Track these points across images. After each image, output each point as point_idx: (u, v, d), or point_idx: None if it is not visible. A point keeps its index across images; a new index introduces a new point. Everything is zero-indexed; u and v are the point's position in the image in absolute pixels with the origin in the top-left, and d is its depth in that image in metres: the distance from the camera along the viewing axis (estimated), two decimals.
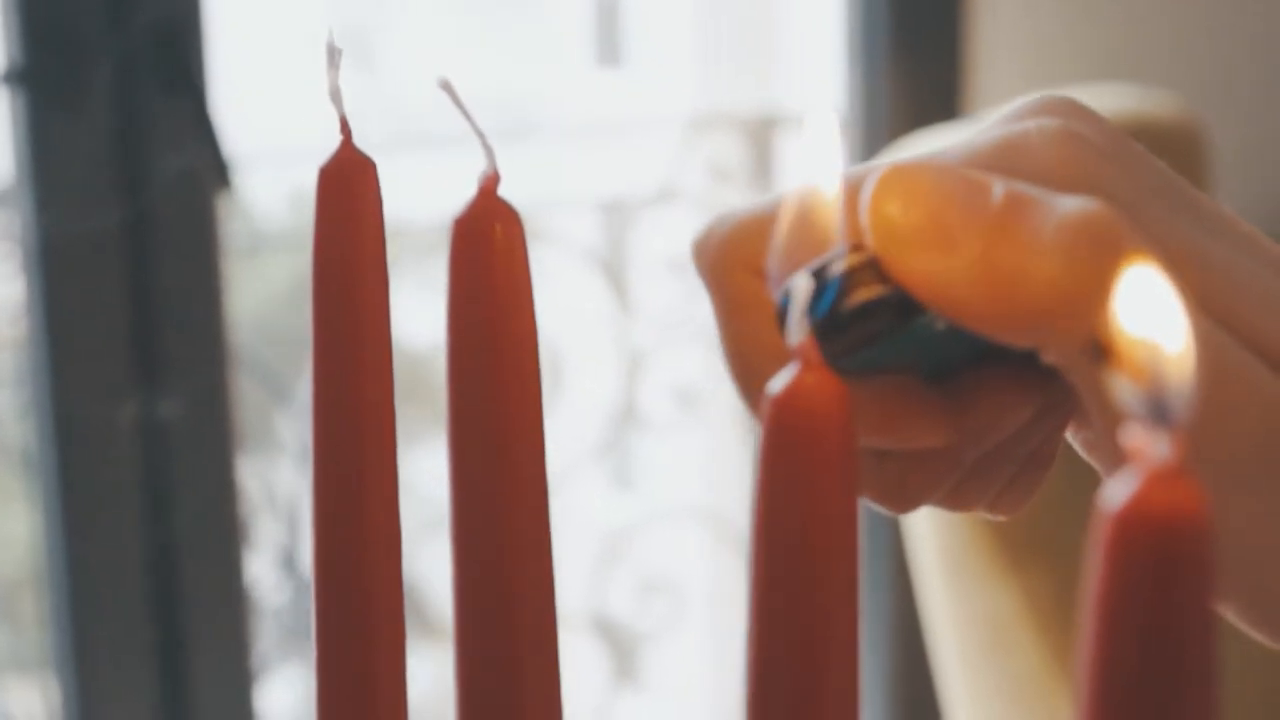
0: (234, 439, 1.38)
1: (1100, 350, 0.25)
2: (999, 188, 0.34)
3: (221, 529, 1.38)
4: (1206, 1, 1.71)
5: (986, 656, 1.29)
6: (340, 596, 0.41)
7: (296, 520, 1.79)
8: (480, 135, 0.34)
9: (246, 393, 1.62)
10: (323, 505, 0.41)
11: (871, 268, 0.34)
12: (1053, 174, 0.36)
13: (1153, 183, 0.37)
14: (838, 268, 0.34)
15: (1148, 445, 0.24)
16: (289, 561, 1.77)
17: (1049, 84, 1.49)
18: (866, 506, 0.39)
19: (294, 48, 3.09)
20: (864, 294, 0.34)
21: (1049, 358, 0.35)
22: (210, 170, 1.30)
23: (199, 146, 1.29)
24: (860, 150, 1.63)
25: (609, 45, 3.37)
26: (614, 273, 1.98)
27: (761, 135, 1.88)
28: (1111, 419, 0.34)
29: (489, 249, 0.35)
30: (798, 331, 0.30)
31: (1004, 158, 0.36)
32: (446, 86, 0.34)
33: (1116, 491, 0.24)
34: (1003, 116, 0.39)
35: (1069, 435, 0.40)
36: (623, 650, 2.22)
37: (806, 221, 0.34)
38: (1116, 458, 0.34)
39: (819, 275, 0.34)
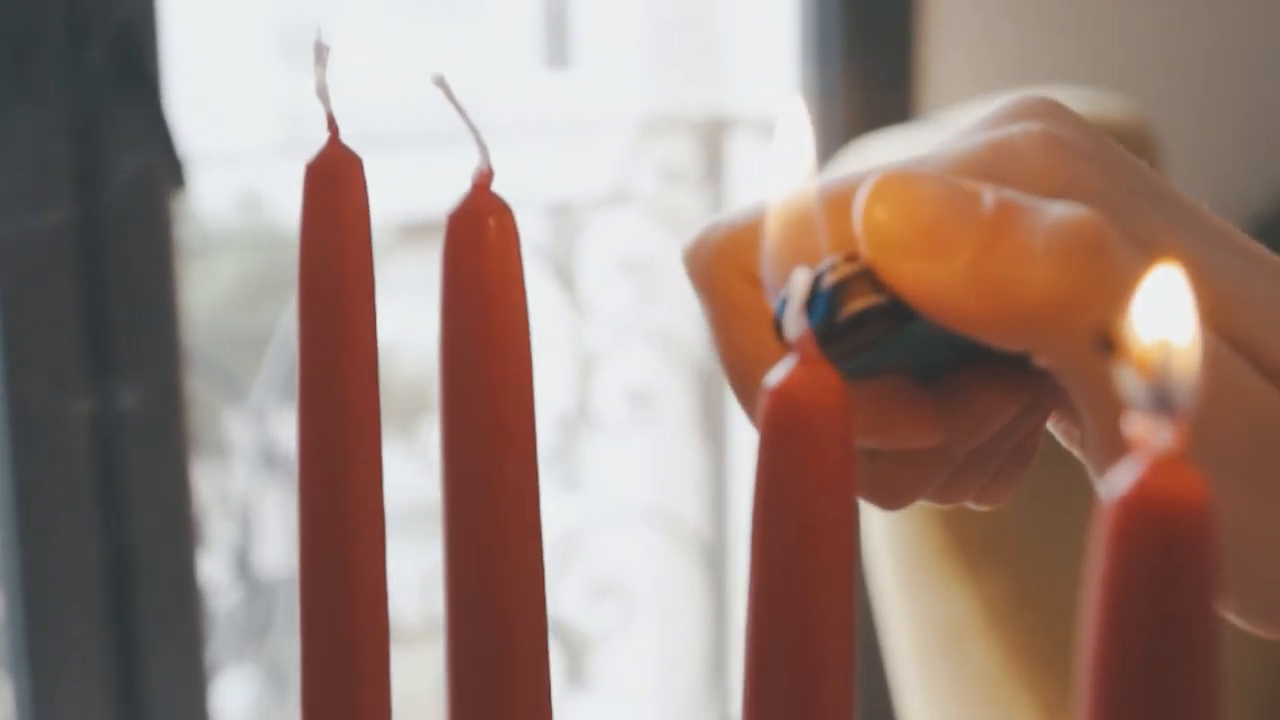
0: (188, 439, 1.37)
1: (1107, 341, 0.25)
2: (988, 195, 0.35)
3: (176, 529, 1.37)
4: (1157, 5, 1.72)
5: (942, 659, 1.30)
6: (326, 588, 0.41)
7: (250, 521, 1.78)
8: (474, 131, 0.34)
9: (198, 393, 1.61)
10: (308, 498, 0.41)
11: (866, 276, 0.35)
12: (1039, 179, 0.36)
13: (1136, 186, 0.37)
14: (833, 277, 0.34)
15: (1151, 434, 0.25)
16: (242, 562, 1.76)
17: (1001, 87, 1.50)
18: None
19: (239, 49, 3.08)
20: (860, 302, 0.35)
21: (1041, 360, 0.35)
22: (165, 169, 1.29)
23: (154, 145, 1.28)
24: (816, 153, 1.64)
25: (557, 47, 3.37)
26: (565, 275, 1.98)
27: (713, 137, 1.88)
28: (1105, 419, 0.35)
29: (483, 243, 0.35)
30: (795, 325, 0.30)
31: (990, 164, 0.37)
32: (441, 83, 0.34)
33: (1120, 478, 0.25)
34: (983, 120, 0.39)
35: (1050, 427, 0.40)
36: (573, 652, 2.22)
37: (797, 226, 0.35)
38: (1107, 455, 0.35)
39: (814, 284, 0.34)
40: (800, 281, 0.31)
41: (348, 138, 0.40)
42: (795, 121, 0.35)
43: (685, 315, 1.93)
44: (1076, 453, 0.40)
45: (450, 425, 0.36)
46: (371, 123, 3.26)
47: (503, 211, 0.35)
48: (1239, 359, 0.35)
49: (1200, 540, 0.25)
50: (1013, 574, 1.26)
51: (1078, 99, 1.36)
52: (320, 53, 0.38)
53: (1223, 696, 0.25)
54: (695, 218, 1.90)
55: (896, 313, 0.35)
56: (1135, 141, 1.32)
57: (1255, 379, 0.35)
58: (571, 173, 2.14)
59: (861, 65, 1.62)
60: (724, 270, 0.38)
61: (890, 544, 1.30)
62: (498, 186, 0.37)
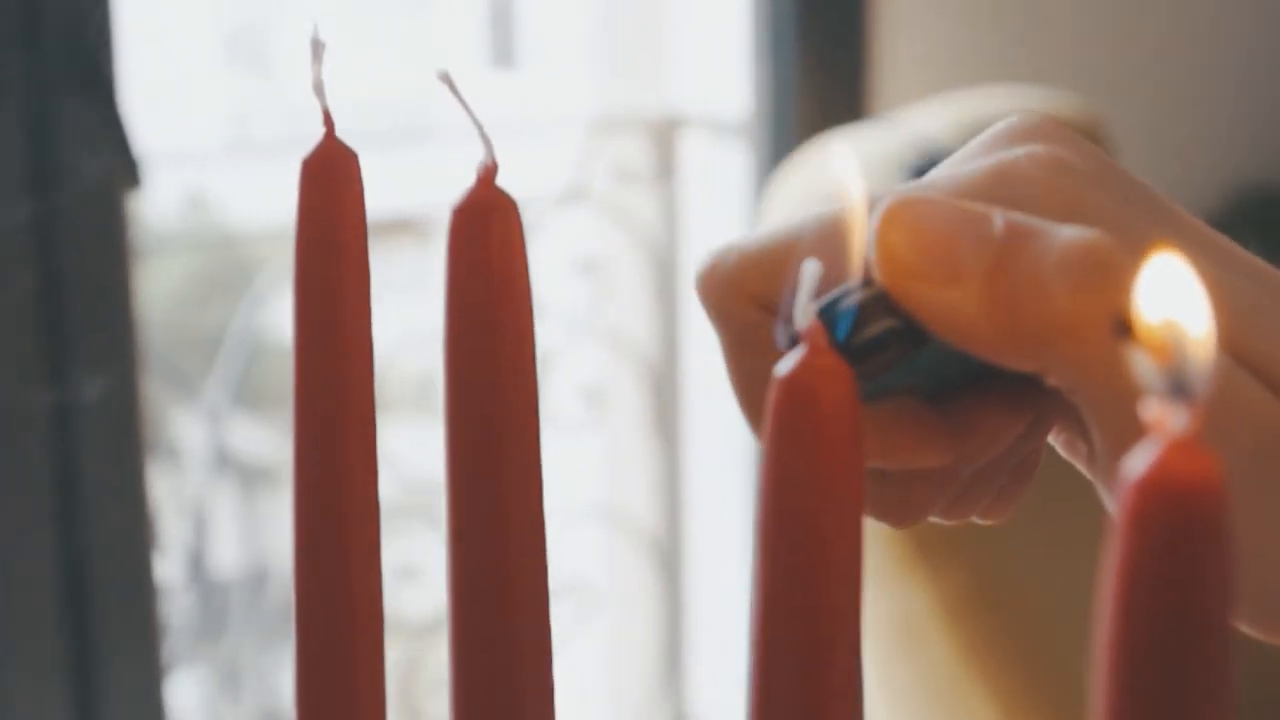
0: (145, 438, 1.36)
1: (1125, 328, 0.26)
2: (998, 219, 0.35)
3: (132, 529, 1.37)
4: (1108, 5, 1.74)
5: (899, 655, 1.30)
6: (321, 581, 0.41)
7: (204, 521, 1.77)
8: (478, 126, 0.34)
9: (150, 393, 1.60)
10: (305, 491, 0.41)
11: (882, 301, 0.36)
12: (1044, 202, 0.37)
13: (1139, 204, 0.38)
14: (849, 302, 0.35)
15: (1167, 418, 0.25)
16: (196, 563, 1.76)
17: (953, 85, 1.51)
18: None
19: (184, 51, 3.06)
20: (876, 327, 0.35)
21: (1052, 379, 0.36)
22: (120, 168, 1.29)
23: (109, 144, 1.28)
24: (769, 152, 1.65)
25: (503, 47, 3.37)
26: None
27: (665, 136, 1.89)
28: (1117, 434, 0.35)
29: (487, 237, 0.35)
30: (804, 316, 0.30)
31: (997, 187, 0.37)
32: (446, 79, 0.34)
33: (1136, 461, 0.25)
34: (983, 143, 0.40)
35: (1051, 440, 0.41)
36: None
37: (821, 250, 0.35)
38: (1118, 469, 0.35)
39: (830, 309, 0.35)
40: (810, 274, 0.31)
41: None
42: (846, 164, 0.35)
43: (638, 315, 1.94)
44: (1080, 466, 0.40)
45: (455, 416, 0.36)
46: (317, 124, 3.24)
47: (507, 205, 0.35)
48: (1242, 371, 0.36)
49: (1216, 520, 0.25)
50: (971, 572, 1.27)
51: (1030, 98, 1.37)
52: (317, 49, 0.38)
53: (1234, 669, 0.26)
54: (648, 217, 1.91)
55: (911, 336, 0.36)
56: (1085, 139, 1.33)
57: (1258, 390, 0.36)
58: (523, 172, 2.14)
59: (814, 64, 1.62)
60: (736, 296, 0.39)
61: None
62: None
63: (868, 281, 0.36)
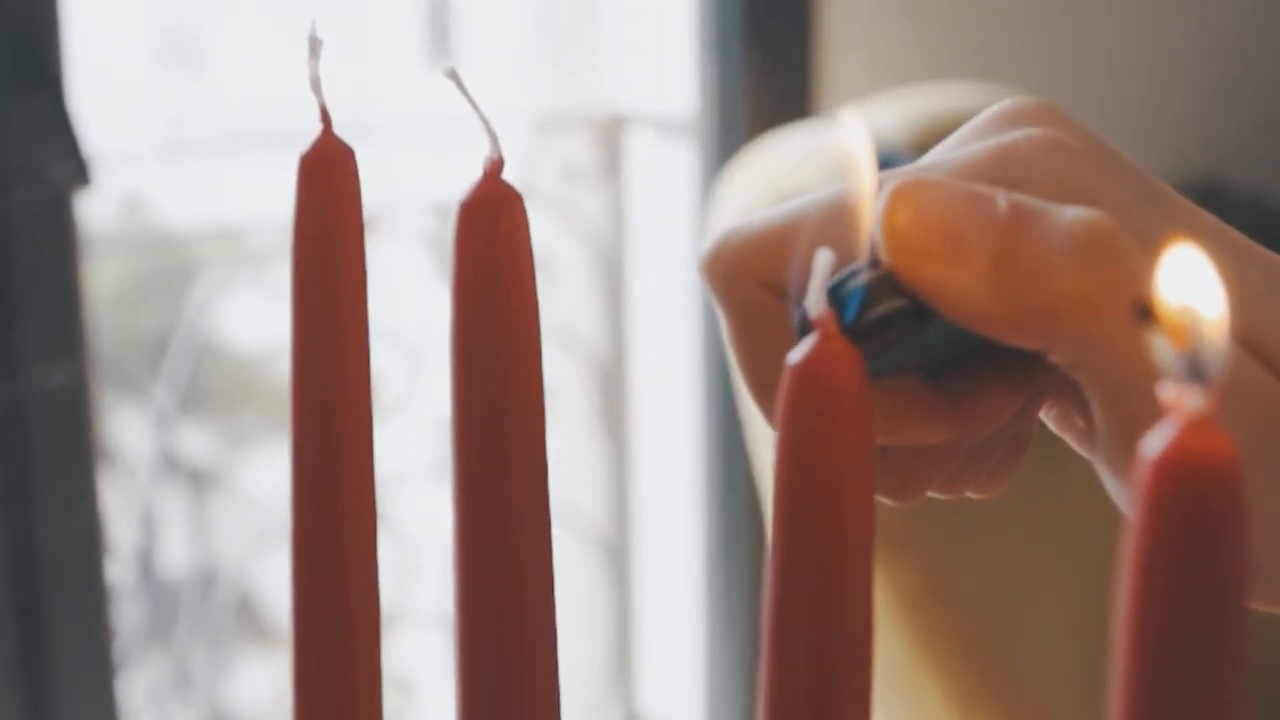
0: (95, 440, 1.36)
1: (1145, 310, 0.26)
2: (1002, 200, 0.36)
3: (82, 531, 1.36)
4: (1053, 2, 1.75)
5: None
6: (318, 582, 0.41)
7: (153, 523, 1.76)
8: (485, 121, 0.35)
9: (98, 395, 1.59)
10: (302, 483, 0.41)
11: (888, 281, 0.36)
12: (1045, 184, 0.38)
13: (1135, 187, 0.39)
14: (856, 282, 0.36)
15: (1184, 399, 0.26)
16: (145, 565, 1.75)
17: (899, 82, 1.52)
18: None
19: (119, 51, 3.04)
20: (883, 307, 0.36)
21: (1055, 357, 0.37)
22: (68, 167, 1.28)
23: (57, 143, 1.27)
24: (715, 150, 1.65)
25: (440, 45, 3.36)
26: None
27: (611, 135, 1.89)
28: (1120, 411, 0.37)
29: (494, 231, 0.35)
30: (817, 304, 0.31)
31: (997, 169, 0.38)
32: (452, 75, 0.35)
33: (1155, 440, 0.26)
34: (977, 126, 0.40)
35: (1043, 416, 0.42)
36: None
37: (828, 232, 0.36)
38: (1120, 444, 0.36)
39: (838, 290, 0.36)
40: (824, 262, 0.32)
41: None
42: (856, 136, 0.36)
43: (585, 313, 1.94)
44: (1071, 440, 0.41)
45: (462, 408, 0.36)
46: (257, 122, 3.23)
47: (513, 199, 0.36)
48: (1243, 352, 0.37)
49: (1232, 496, 0.26)
50: (924, 565, 1.28)
51: (977, 94, 1.39)
52: (314, 46, 0.39)
53: (1249, 639, 0.27)
54: (595, 215, 1.91)
55: (917, 315, 0.37)
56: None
57: (1256, 368, 0.37)
58: (469, 170, 2.13)
59: (760, 62, 1.63)
60: (742, 277, 0.39)
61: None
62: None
63: (874, 262, 0.36)
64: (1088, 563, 1.36)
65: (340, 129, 0.40)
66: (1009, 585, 1.31)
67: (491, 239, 0.36)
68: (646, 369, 1.89)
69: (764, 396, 0.39)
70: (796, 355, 0.31)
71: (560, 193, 1.91)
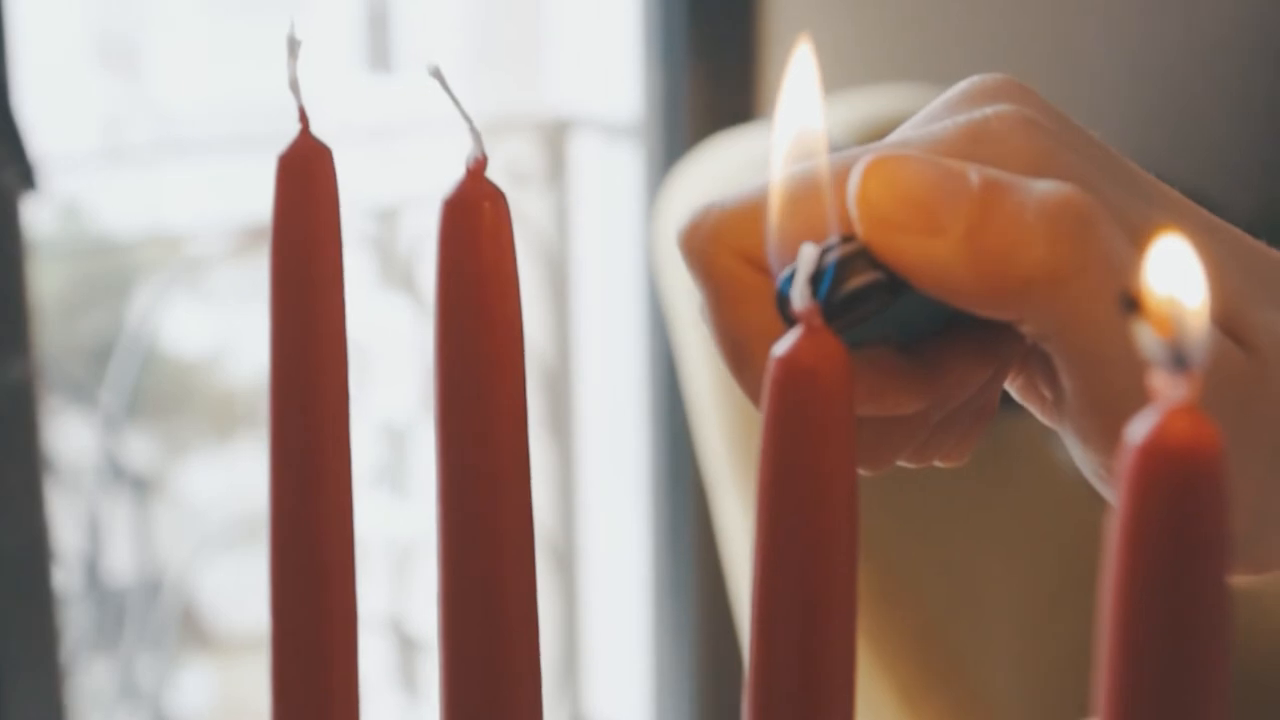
0: (42, 446, 1.35)
1: (1132, 301, 0.27)
2: (974, 173, 0.37)
3: (29, 537, 1.35)
4: (996, 6, 1.77)
5: None
6: (296, 579, 0.42)
7: (98, 529, 1.75)
8: (468, 120, 0.35)
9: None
10: (280, 483, 0.41)
11: (863, 254, 0.37)
12: (1014, 159, 0.38)
13: (1103, 162, 0.40)
14: (831, 256, 0.36)
15: (1168, 386, 0.27)
16: (91, 572, 1.74)
17: (844, 86, 1.53)
18: None
19: (54, 55, 3.01)
20: (858, 280, 0.37)
21: (1026, 327, 0.37)
22: (15, 171, 1.27)
23: (3, 147, 1.26)
24: (660, 153, 1.66)
25: (380, 51, 3.35)
26: (407, 277, 1.98)
27: (555, 138, 1.89)
28: (1089, 380, 0.37)
29: (478, 228, 0.36)
30: (802, 298, 0.32)
31: (968, 145, 0.39)
32: (437, 74, 0.35)
33: (1140, 427, 0.27)
34: (946, 103, 0.41)
35: (1007, 385, 0.42)
36: (412, 656, 2.21)
37: (804, 205, 0.36)
38: (1089, 414, 0.37)
39: (816, 263, 0.36)
40: (809, 256, 0.32)
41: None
42: (805, 100, 0.36)
43: (530, 316, 1.94)
44: (1034, 408, 0.42)
45: (446, 402, 0.37)
46: (196, 127, 3.21)
47: (497, 197, 0.36)
48: (1212, 327, 0.37)
49: (1215, 481, 0.27)
50: (873, 563, 1.29)
51: (918, 97, 1.40)
52: (293, 47, 0.39)
53: (1233, 617, 0.27)
54: (539, 218, 1.91)
55: (891, 288, 0.37)
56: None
57: (1224, 340, 0.38)
58: (411, 174, 2.13)
59: (704, 65, 1.64)
60: (720, 251, 0.39)
61: (747, 534, 1.33)
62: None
63: (847, 237, 0.37)
64: (1032, 563, 1.38)
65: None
66: (956, 583, 1.32)
67: (476, 236, 0.36)
68: (592, 372, 1.90)
69: (741, 370, 0.40)
70: (781, 348, 0.32)
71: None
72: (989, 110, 0.40)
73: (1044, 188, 0.37)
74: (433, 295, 0.37)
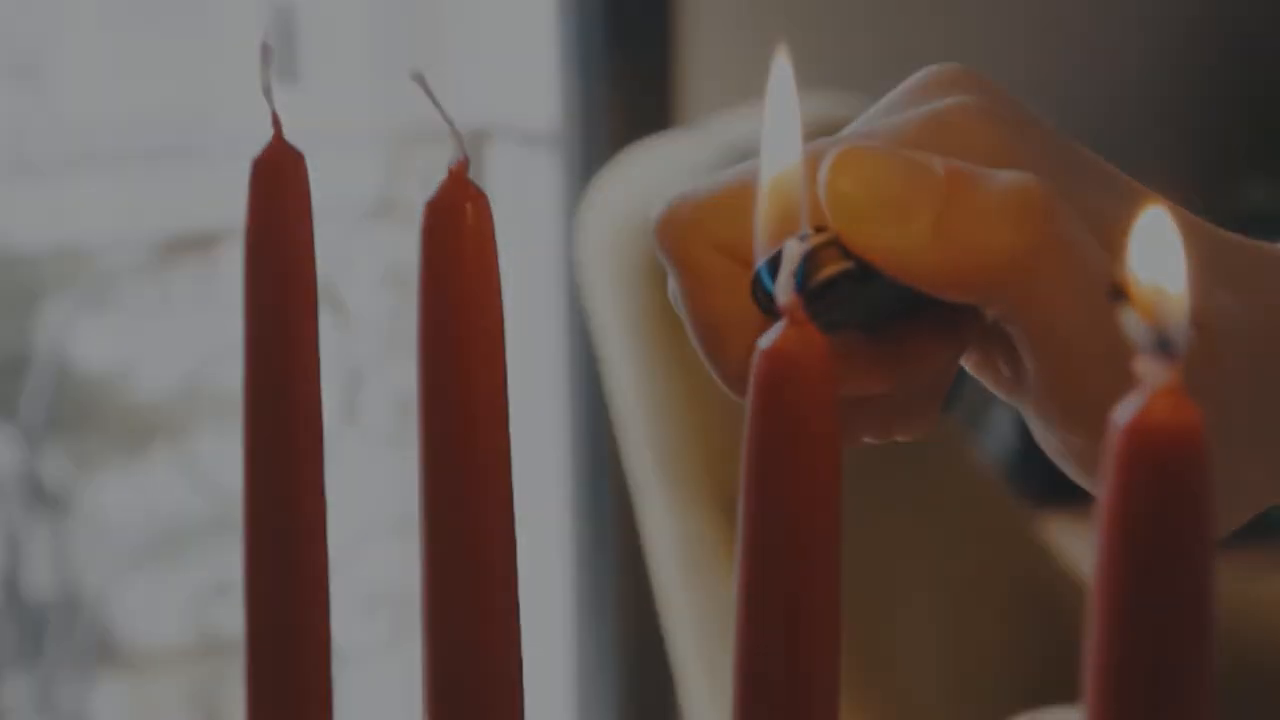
0: None
1: (1118, 290, 0.28)
2: (938, 164, 0.38)
3: None
4: (913, 11, 1.79)
5: (726, 650, 1.33)
6: (272, 588, 0.42)
7: (17, 541, 1.74)
8: (450, 124, 0.36)
9: None
10: (255, 490, 0.42)
11: (834, 245, 0.38)
12: (974, 150, 0.40)
13: (1059, 151, 0.41)
14: (803, 247, 0.37)
15: (1151, 371, 0.28)
16: (10, 584, 1.72)
17: (762, 92, 1.54)
18: None
19: None
20: (829, 269, 0.38)
21: (991, 311, 0.39)
22: None
23: None
24: (579, 162, 1.66)
25: (287, 61, 3.33)
26: (328, 288, 1.97)
27: (473, 148, 1.89)
28: (1051, 362, 0.39)
29: (460, 231, 0.36)
30: (785, 291, 0.32)
31: (930, 136, 0.40)
32: (419, 79, 0.35)
33: (1125, 409, 0.28)
34: (904, 93, 0.42)
35: (963, 362, 0.44)
36: (339, 663, 2.20)
37: (782, 197, 0.37)
38: (1050, 394, 0.39)
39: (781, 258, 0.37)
40: (793, 251, 0.33)
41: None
42: (783, 92, 0.37)
43: None
44: (989, 384, 0.43)
45: (428, 403, 0.37)
46: (102, 139, 3.18)
47: (479, 199, 0.37)
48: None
49: (1198, 463, 0.28)
50: None
51: (838, 104, 1.41)
52: (266, 53, 0.39)
53: (1216, 592, 0.29)
54: None
55: (861, 276, 0.38)
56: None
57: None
58: (330, 186, 2.13)
59: (622, 73, 1.64)
60: (695, 241, 0.40)
61: (673, 538, 1.33)
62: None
63: (818, 227, 0.38)
64: (953, 563, 1.39)
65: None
66: (881, 590, 1.33)
67: (458, 239, 0.37)
68: (511, 380, 1.90)
69: (716, 356, 0.41)
70: (765, 341, 0.33)
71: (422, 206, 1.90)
72: (950, 101, 0.41)
73: (1005, 178, 0.38)
74: (416, 297, 0.37)
